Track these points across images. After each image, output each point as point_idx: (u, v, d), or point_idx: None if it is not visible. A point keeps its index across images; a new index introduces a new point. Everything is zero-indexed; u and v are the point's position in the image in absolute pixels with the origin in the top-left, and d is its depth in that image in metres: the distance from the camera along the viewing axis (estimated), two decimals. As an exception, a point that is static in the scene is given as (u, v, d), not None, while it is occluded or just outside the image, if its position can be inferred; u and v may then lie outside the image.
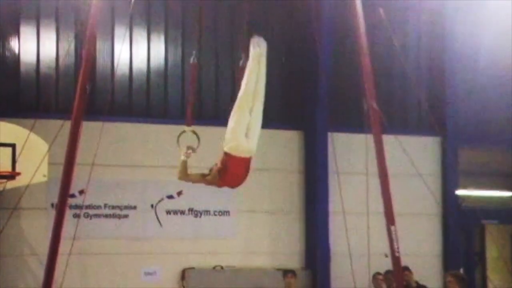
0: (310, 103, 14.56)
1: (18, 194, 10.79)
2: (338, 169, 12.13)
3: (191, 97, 9.24)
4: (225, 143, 7.96)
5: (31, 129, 10.28)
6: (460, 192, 15.23)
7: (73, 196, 11.99)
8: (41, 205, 12.90)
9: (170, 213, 13.83)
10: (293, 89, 14.88)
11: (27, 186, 9.77)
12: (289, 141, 14.67)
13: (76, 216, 12.16)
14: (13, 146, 10.95)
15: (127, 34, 13.72)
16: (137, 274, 13.54)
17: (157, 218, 13.75)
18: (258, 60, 8.10)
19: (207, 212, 13.98)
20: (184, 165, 8.34)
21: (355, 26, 9.37)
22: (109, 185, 13.43)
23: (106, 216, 13.50)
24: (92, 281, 13.23)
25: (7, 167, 10.97)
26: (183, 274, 13.66)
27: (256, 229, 14.34)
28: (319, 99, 14.36)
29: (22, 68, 13.43)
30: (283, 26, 14.91)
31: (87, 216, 13.25)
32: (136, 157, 13.71)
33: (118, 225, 13.51)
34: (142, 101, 14.09)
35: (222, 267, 13.87)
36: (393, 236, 8.91)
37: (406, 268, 12.48)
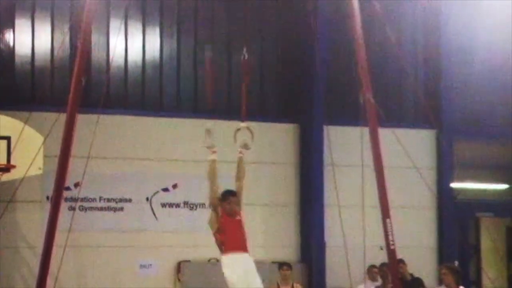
0: (305, 96, 14.56)
1: (13, 186, 10.80)
2: (334, 162, 12.17)
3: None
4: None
5: (26, 121, 10.27)
6: (455, 184, 15.26)
7: (68, 188, 11.98)
8: (36, 198, 12.89)
9: (165, 206, 13.83)
10: (289, 82, 14.89)
11: (22, 179, 9.77)
12: (284, 134, 14.67)
13: (72, 208, 12.13)
14: (8, 138, 10.95)
15: (122, 26, 13.71)
16: (133, 266, 13.54)
17: (153, 211, 13.75)
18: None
19: (202, 205, 13.95)
20: (212, 165, 7.93)
21: (351, 19, 9.36)
22: (104, 178, 13.42)
23: (101, 209, 13.50)
24: (88, 274, 13.24)
25: (2, 160, 10.97)
26: (179, 267, 13.67)
27: (252, 222, 14.29)
28: (315, 92, 14.35)
29: (17, 60, 13.42)
30: (279, 19, 14.89)
31: (82, 208, 13.25)
32: (131, 149, 13.70)
33: (113, 218, 13.50)
34: (137, 94, 14.08)
35: (217, 260, 13.80)
36: (388, 228, 8.92)
37: (401, 261, 12.49)
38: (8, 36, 13.40)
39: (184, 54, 14.32)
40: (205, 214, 13.86)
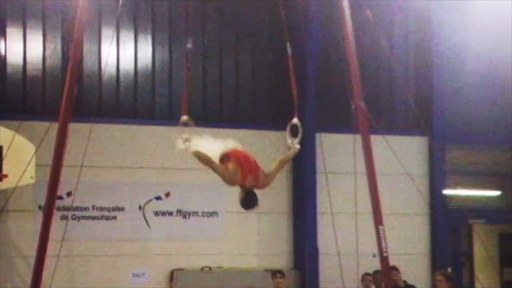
0: (297, 103, 14.56)
1: (5, 196, 10.77)
2: (326, 169, 12.17)
3: (187, 86, 9.12)
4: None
5: (18, 130, 10.25)
6: (447, 191, 15.27)
7: (60, 198, 11.98)
8: (28, 207, 12.85)
9: (158, 215, 13.81)
10: (280, 89, 14.88)
11: (14, 188, 9.75)
12: (276, 142, 14.64)
13: (64, 218, 12.14)
14: (-1, 148, 10.92)
15: (114, 35, 13.70)
16: (126, 275, 13.51)
17: (145, 219, 13.73)
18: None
19: (195, 213, 13.97)
20: (198, 153, 7.61)
21: (343, 26, 9.39)
22: (97, 187, 13.39)
23: (94, 218, 13.47)
24: (80, 283, 13.19)
25: (-6, 169, 10.93)
26: (172, 275, 13.64)
27: (245, 230, 14.34)
28: (307, 99, 14.34)
29: (9, 69, 13.38)
30: (270, 26, 14.91)
31: (75, 218, 13.21)
32: (124, 158, 13.68)
33: (106, 226, 13.47)
34: (129, 103, 14.06)
35: (210, 268, 13.87)
36: (381, 235, 8.93)
37: (394, 268, 12.50)
38: (0, 45, 13.38)
39: (176, 62, 14.32)
40: (199, 223, 14.03)
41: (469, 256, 16.43)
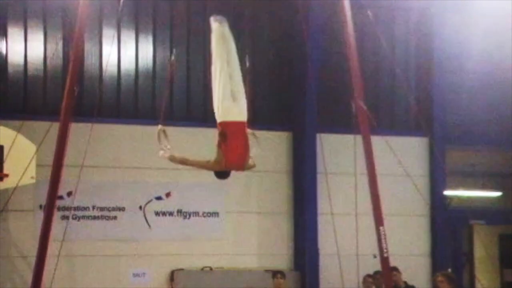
0: (298, 104, 14.58)
1: (5, 196, 10.77)
2: (327, 170, 12.17)
3: (166, 94, 9.24)
4: (217, 113, 7.96)
5: (19, 130, 10.26)
6: (447, 192, 15.28)
7: (61, 198, 11.98)
8: (29, 207, 12.86)
9: (158, 215, 13.81)
10: (281, 90, 14.90)
11: (15, 188, 9.75)
12: (277, 142, 14.67)
13: (65, 218, 12.15)
14: (0, 147, 10.93)
15: (115, 35, 13.71)
16: (126, 275, 13.52)
17: (146, 219, 13.73)
18: (222, 32, 8.32)
19: (195, 213, 13.97)
20: (174, 157, 8.15)
21: (344, 26, 9.39)
22: (98, 187, 13.40)
23: (95, 217, 13.47)
24: (81, 283, 13.20)
25: (-6, 169, 10.95)
26: (172, 276, 13.65)
27: (245, 230, 14.34)
28: (308, 100, 14.36)
29: (10, 69, 13.39)
30: (271, 26, 14.92)
31: (76, 218, 13.22)
32: (125, 158, 13.69)
33: (106, 226, 13.48)
34: (130, 102, 14.07)
35: (211, 268, 13.87)
36: (382, 236, 8.93)
37: (395, 269, 12.51)
38: (1, 45, 13.38)
39: (177, 62, 14.29)
40: (199, 223, 14.04)
41: (470, 257, 16.43)
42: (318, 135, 13.80)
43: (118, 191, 13.60)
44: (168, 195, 13.84)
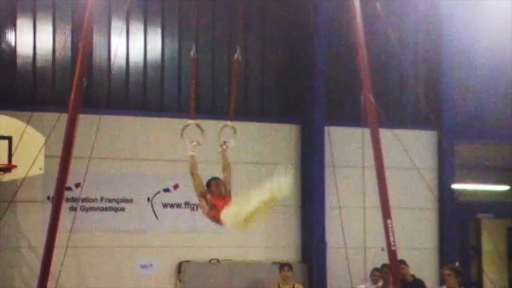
0: (307, 97, 14.56)
1: (14, 187, 10.81)
2: (335, 163, 12.20)
3: (193, 90, 9.28)
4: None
5: (28, 122, 10.29)
6: (456, 186, 15.25)
7: (69, 189, 12.01)
8: (37, 198, 12.89)
9: (166, 206, 13.84)
10: (290, 82, 14.88)
11: (23, 179, 9.78)
12: (285, 135, 14.66)
13: (73, 209, 12.17)
14: (9, 138, 10.97)
15: (124, 27, 13.71)
16: (133, 267, 13.54)
17: (154, 211, 13.76)
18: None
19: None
20: (193, 159, 8.58)
21: (352, 20, 9.37)
22: (106, 178, 13.42)
23: (103, 209, 13.50)
24: (88, 274, 13.24)
25: (3, 160, 10.98)
26: (179, 267, 13.67)
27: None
28: (316, 93, 14.35)
29: (19, 60, 13.41)
30: (280, 19, 14.90)
31: (84, 209, 13.25)
32: (133, 150, 13.70)
33: (114, 218, 13.51)
34: (138, 94, 14.07)
35: (218, 261, 13.89)
36: (389, 229, 8.93)
37: (402, 262, 12.52)
38: (10, 36, 13.40)
39: (185, 54, 14.31)
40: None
41: (477, 250, 16.39)
42: (326, 128, 13.78)
43: (126, 183, 13.61)
44: (176, 187, 13.85)
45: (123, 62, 13.91)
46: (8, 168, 11.03)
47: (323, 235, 14.15)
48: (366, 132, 9.36)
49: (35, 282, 8.82)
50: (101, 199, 13.49)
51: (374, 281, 13.17)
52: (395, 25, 14.71)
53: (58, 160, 8.69)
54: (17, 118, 11.17)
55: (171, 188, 13.85)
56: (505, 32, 15.18)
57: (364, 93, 9.20)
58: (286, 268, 13.09)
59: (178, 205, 13.88)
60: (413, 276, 13.20)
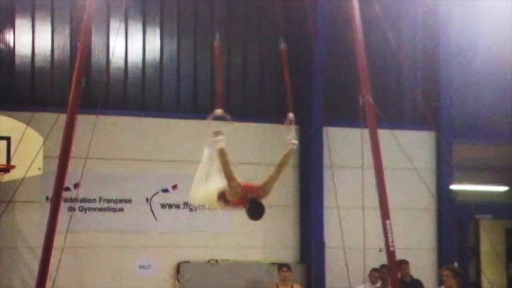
0: (305, 98, 14.55)
1: (13, 187, 10.80)
2: (333, 163, 12.17)
3: (221, 79, 9.28)
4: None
5: (27, 122, 10.28)
6: (454, 186, 15.26)
7: (68, 189, 12.00)
8: (36, 198, 12.89)
9: (165, 207, 13.83)
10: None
11: (22, 179, 9.77)
12: (283, 136, 14.61)
13: (71, 209, 12.16)
14: (8, 139, 10.95)
15: (123, 27, 13.71)
16: (132, 267, 13.54)
17: (152, 211, 13.75)
18: (210, 155, 8.46)
19: (202, 206, 13.90)
20: (225, 153, 7.77)
21: (351, 20, 9.38)
22: (104, 179, 13.42)
23: (101, 209, 13.49)
24: (87, 275, 13.23)
25: (2, 160, 10.97)
26: (178, 268, 13.67)
27: (251, 223, 14.24)
28: (314, 93, 14.34)
29: (17, 61, 13.40)
30: (278, 20, 14.87)
31: (82, 209, 13.25)
32: (131, 150, 13.70)
33: (113, 218, 13.50)
34: (137, 94, 14.07)
35: (217, 261, 13.89)
36: (388, 230, 8.93)
37: (404, 261, 12.57)
38: (8, 36, 13.39)
39: (184, 54, 14.32)
40: (205, 215, 14.02)
41: (476, 251, 16.42)
42: (325, 129, 13.78)
43: (125, 183, 13.61)
44: (174, 187, 13.85)
45: (122, 62, 13.91)
46: (6, 169, 11.02)
47: (322, 236, 14.15)
48: (365, 132, 9.36)
49: (33, 282, 8.82)
50: (100, 199, 13.48)
51: (373, 282, 13.19)
52: (393, 26, 14.71)
53: (56, 161, 8.68)
54: (15, 118, 11.16)
55: (170, 189, 13.85)
56: (503, 32, 15.18)
57: (363, 93, 9.21)
58: (284, 268, 13.09)
59: (177, 206, 13.88)
60: (411, 276, 13.21)
